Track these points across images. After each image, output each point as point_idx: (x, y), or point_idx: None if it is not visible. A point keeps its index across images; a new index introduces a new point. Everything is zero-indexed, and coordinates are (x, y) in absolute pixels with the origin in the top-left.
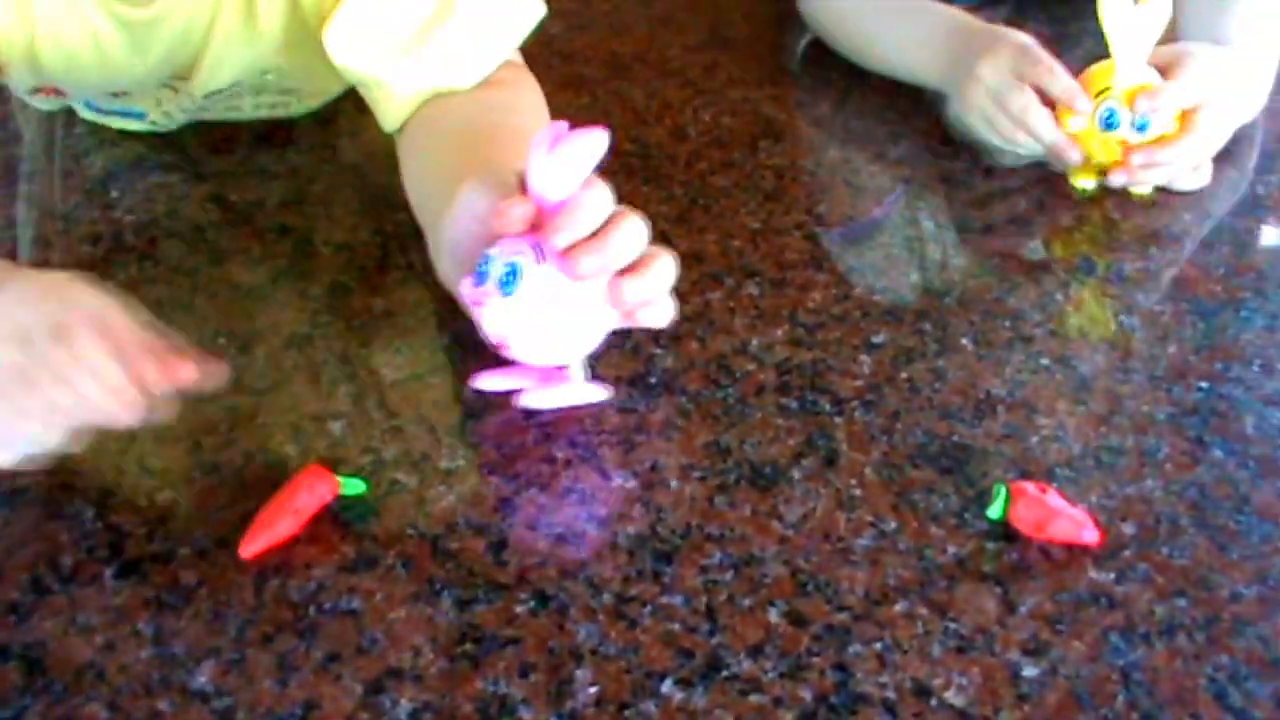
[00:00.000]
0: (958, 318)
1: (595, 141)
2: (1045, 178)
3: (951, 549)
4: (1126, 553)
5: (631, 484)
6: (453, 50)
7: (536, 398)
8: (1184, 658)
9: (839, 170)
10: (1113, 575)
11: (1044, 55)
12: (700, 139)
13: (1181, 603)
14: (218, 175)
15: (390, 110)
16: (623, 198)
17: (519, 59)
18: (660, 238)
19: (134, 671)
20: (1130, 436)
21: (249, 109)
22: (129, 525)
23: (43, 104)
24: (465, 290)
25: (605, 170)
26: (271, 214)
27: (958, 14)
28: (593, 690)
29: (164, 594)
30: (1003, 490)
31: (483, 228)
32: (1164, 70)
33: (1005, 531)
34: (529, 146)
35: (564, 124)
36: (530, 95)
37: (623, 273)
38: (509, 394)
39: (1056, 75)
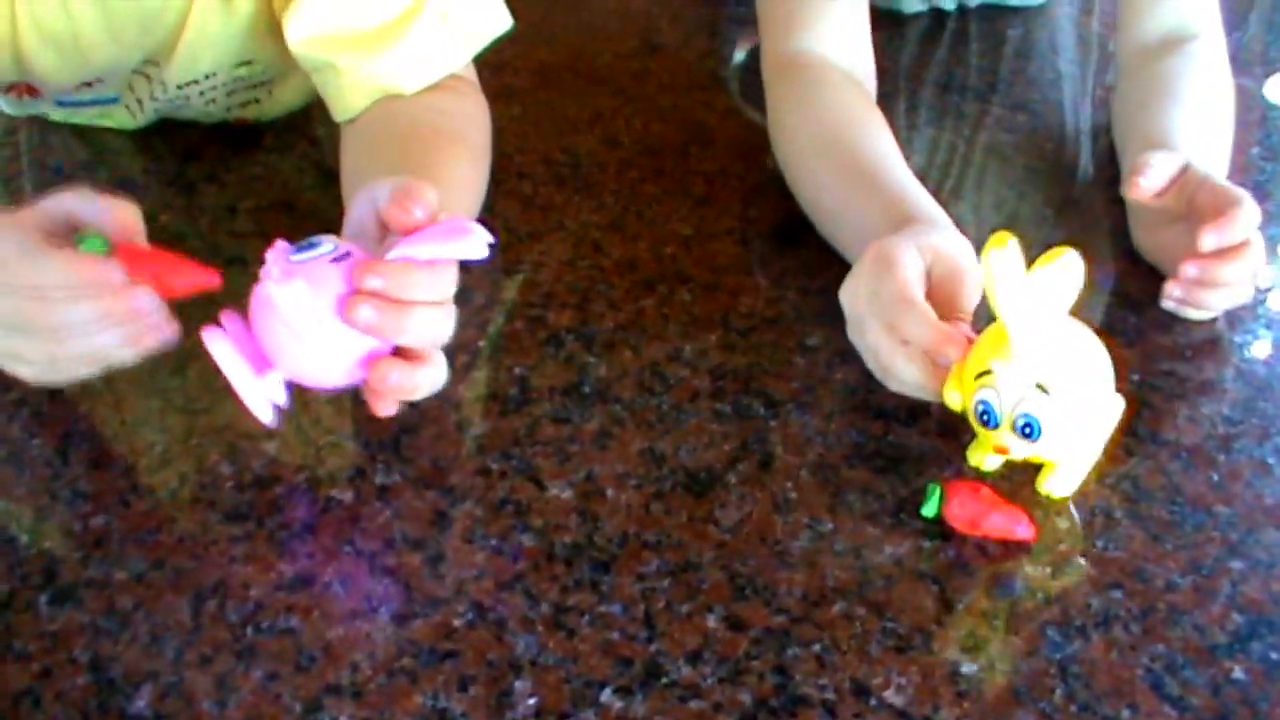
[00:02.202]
0: None
1: (468, 247)
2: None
3: (888, 549)
4: (1062, 546)
5: (567, 494)
6: (415, 50)
7: (223, 351)
8: (1120, 649)
9: (770, 175)
10: (1048, 570)
11: (907, 285)
12: (631, 147)
13: (1117, 594)
14: (147, 197)
15: (343, 100)
16: (554, 207)
17: (472, 73)
18: (592, 246)
19: (71, 699)
20: None
21: (220, 109)
22: (63, 551)
23: (11, 107)
24: (278, 248)
25: (538, 180)
26: (204, 234)
27: (910, 199)
28: (532, 701)
29: (100, 619)
30: (937, 489)
31: (374, 221)
32: (1200, 212)
33: (941, 530)
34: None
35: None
36: (475, 106)
37: (401, 354)
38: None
39: (914, 316)
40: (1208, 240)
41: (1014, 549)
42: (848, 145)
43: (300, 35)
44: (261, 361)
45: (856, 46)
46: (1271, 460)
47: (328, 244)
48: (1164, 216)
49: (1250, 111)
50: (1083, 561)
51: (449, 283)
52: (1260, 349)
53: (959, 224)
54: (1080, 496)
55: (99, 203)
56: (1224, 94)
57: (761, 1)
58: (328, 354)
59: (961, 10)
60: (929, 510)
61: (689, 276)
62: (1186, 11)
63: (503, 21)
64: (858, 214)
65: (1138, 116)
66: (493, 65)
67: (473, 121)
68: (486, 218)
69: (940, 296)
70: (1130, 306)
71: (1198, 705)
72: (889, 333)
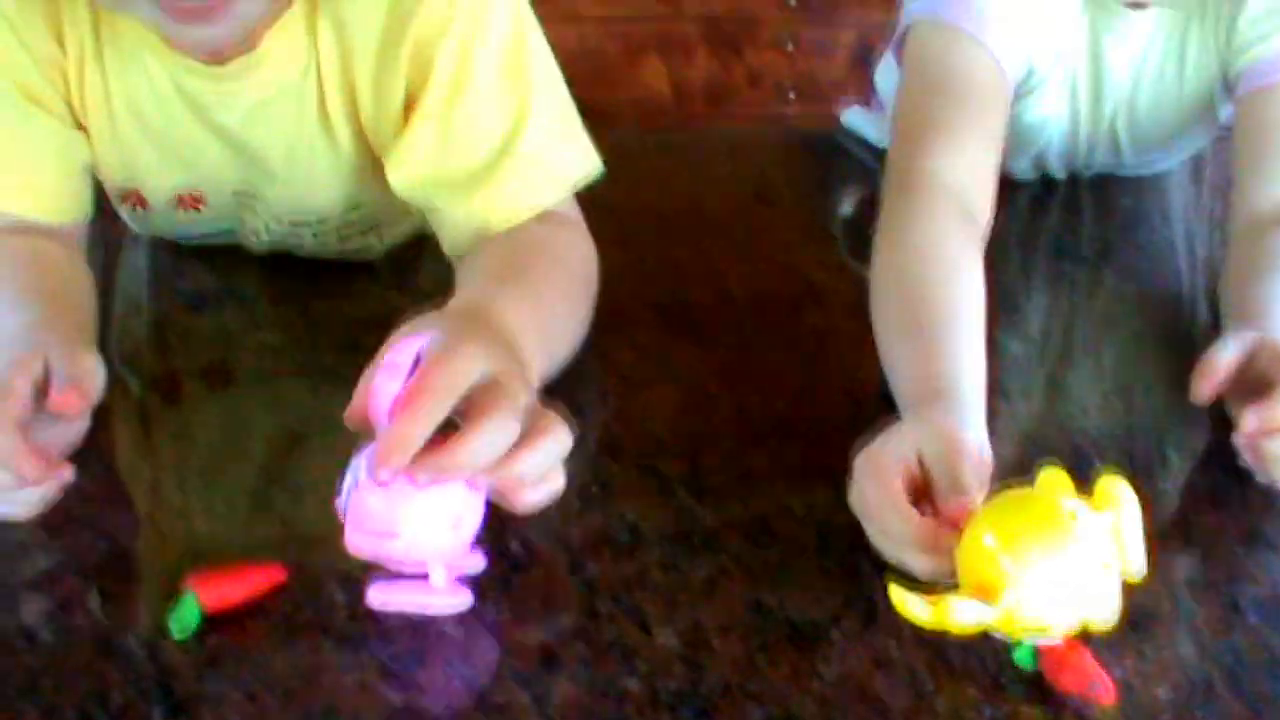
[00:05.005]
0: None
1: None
2: None
3: (989, 711)
4: (1163, 718)
5: (673, 640)
6: (505, 189)
7: (387, 596)
8: None
9: None
10: None
11: (890, 491)
12: (743, 299)
13: None
14: (273, 324)
15: (449, 238)
16: (666, 354)
17: (575, 211)
18: (704, 396)
19: None
20: (1165, 600)
21: (333, 251)
22: (179, 664)
23: (134, 222)
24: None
25: (650, 328)
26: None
27: (948, 371)
28: None
29: None
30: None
31: None
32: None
33: (1042, 695)
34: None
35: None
36: (576, 235)
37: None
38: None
39: (898, 521)
40: (1249, 421)
41: (1115, 716)
42: (925, 289)
43: (400, 180)
44: (421, 570)
45: (980, 186)
46: None
47: (349, 477)
48: (1247, 389)
49: None
50: None
51: (442, 409)
52: None
53: (1067, 394)
54: (1181, 669)
55: (66, 358)
56: None
57: (901, 111)
58: (438, 523)
59: (1073, 178)
60: (1021, 658)
61: (799, 431)
62: None
63: (592, 164)
64: (901, 364)
65: (1242, 289)
66: (608, 208)
67: (572, 247)
68: (599, 365)
69: (938, 478)
70: (1233, 474)
71: None
72: (884, 535)
